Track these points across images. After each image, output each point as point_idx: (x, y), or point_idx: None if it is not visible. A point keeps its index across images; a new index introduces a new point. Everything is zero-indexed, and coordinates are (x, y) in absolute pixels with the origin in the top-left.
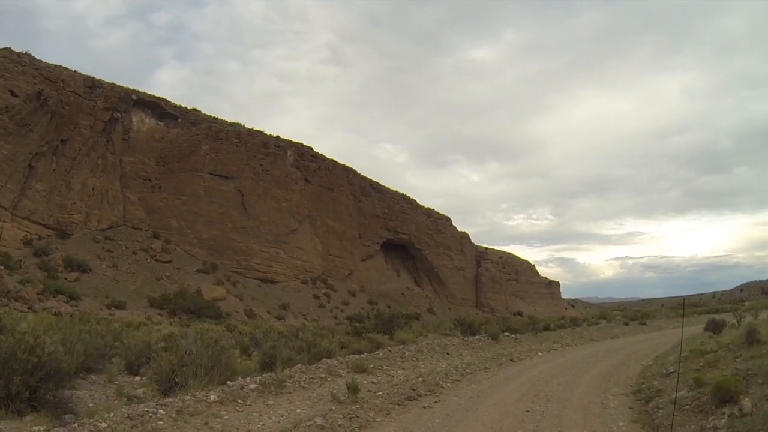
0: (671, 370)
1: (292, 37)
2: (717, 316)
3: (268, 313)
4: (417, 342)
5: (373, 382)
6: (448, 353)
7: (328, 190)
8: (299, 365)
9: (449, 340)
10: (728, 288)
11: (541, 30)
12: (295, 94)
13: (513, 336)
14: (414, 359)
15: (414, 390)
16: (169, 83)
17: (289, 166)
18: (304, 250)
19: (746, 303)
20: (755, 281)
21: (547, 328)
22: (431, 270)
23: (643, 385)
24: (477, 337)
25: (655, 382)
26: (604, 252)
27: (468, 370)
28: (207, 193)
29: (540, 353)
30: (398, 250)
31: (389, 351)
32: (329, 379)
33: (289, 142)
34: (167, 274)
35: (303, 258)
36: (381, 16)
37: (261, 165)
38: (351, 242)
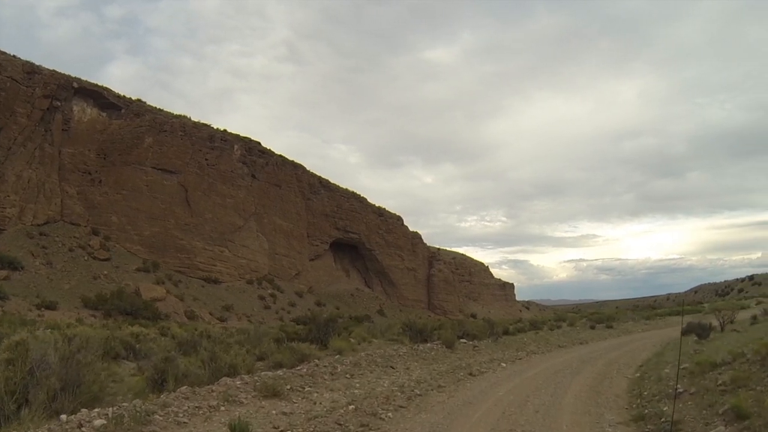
0: (680, 389)
1: (248, 32)
2: (694, 318)
3: (211, 314)
4: (357, 351)
5: (284, 413)
6: (392, 367)
7: (275, 187)
8: (184, 387)
9: (395, 350)
10: (682, 290)
11: (499, 32)
12: (249, 91)
13: (471, 343)
14: (348, 376)
15: (340, 425)
16: (120, 77)
17: (236, 161)
18: (250, 249)
19: (705, 304)
20: (709, 283)
21: (506, 332)
22: (382, 270)
23: (647, 411)
24: (429, 344)
25: (665, 407)
26: (558, 254)
27: (417, 391)
28: (149, 188)
29: (504, 364)
30: (348, 249)
31: (317, 365)
32: (223, 408)
33: (237, 137)
34: (105, 272)
35: (248, 257)
36: (340, 14)
37: (206, 159)
38: (299, 241)
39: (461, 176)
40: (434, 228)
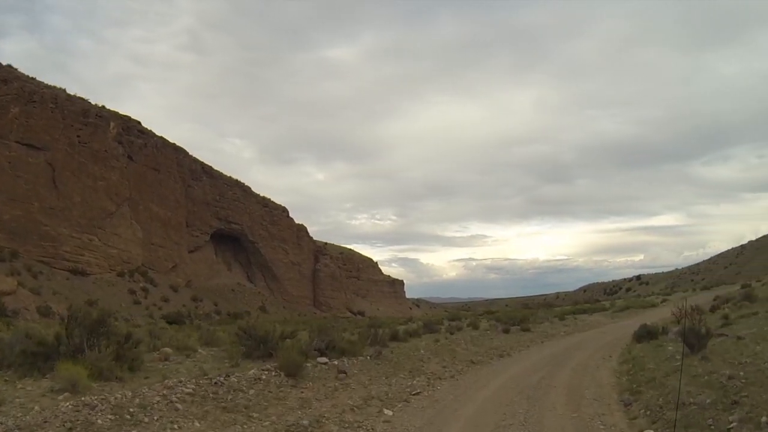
0: None
1: (152, 18)
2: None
3: (69, 311)
4: (124, 384)
5: None
6: None
7: (153, 171)
8: None
9: (171, 388)
10: (571, 289)
11: (403, 35)
12: (149, 80)
13: (334, 363)
14: None
15: None
16: (12, 55)
17: (111, 140)
18: (122, 238)
19: (605, 303)
20: (596, 283)
21: (395, 337)
22: (265, 264)
23: None
24: (253, 372)
25: None
26: (448, 253)
27: None
28: (12, 165)
29: (390, 411)
30: (230, 241)
31: None
32: None
33: (115, 114)
34: None
35: (120, 246)
36: (247, 5)
37: (78, 136)
38: (177, 231)
39: (353, 175)
40: (325, 225)
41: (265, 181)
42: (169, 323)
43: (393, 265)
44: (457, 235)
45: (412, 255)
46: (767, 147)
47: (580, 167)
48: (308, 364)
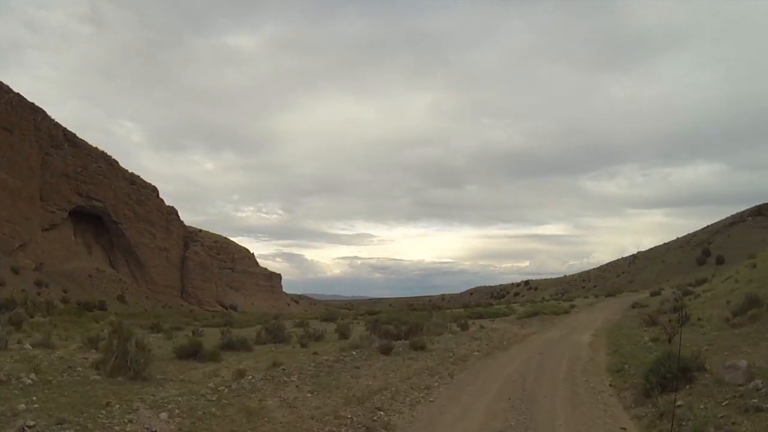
0: None
1: None
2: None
3: None
4: None
5: None
6: None
7: (5, 132)
8: None
9: None
10: (457, 291)
11: (305, 29)
12: (41, 49)
13: None
14: None
15: None
16: None
17: None
18: None
19: (501, 306)
20: (483, 286)
21: (193, 353)
22: (129, 248)
23: None
24: None
25: None
26: (333, 251)
27: None
28: None
29: None
30: (93, 221)
31: None
32: None
33: None
34: None
35: None
36: None
37: None
38: (28, 204)
39: (242, 166)
40: (210, 215)
41: (154, 167)
42: None
43: (278, 259)
44: (343, 232)
45: (297, 250)
46: (652, 167)
47: (470, 173)
48: None
